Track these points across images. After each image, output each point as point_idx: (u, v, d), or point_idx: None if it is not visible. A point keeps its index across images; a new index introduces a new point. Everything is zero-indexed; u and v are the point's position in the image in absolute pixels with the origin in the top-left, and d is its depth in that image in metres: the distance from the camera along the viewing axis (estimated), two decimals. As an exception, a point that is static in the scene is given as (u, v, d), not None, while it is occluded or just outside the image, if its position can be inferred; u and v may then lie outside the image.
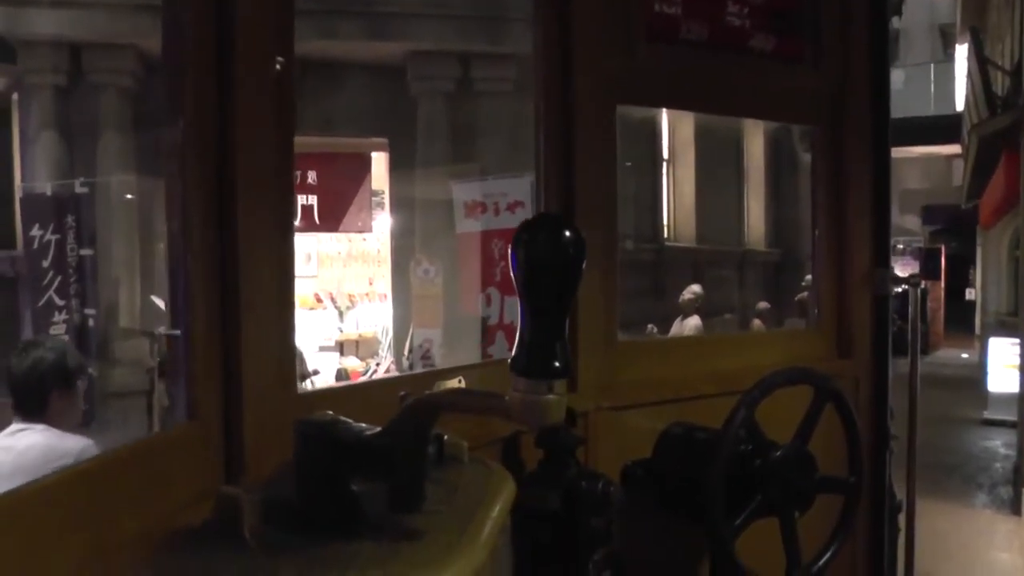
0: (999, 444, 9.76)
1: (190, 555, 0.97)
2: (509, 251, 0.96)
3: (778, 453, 2.03)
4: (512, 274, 0.96)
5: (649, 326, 9.55)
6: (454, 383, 1.83)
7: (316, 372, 8.38)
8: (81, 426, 3.27)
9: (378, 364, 10.28)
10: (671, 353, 2.49)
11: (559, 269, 0.96)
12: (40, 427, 2.92)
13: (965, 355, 17.42)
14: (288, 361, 1.47)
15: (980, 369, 12.09)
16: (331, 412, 1.06)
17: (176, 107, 1.33)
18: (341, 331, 11.31)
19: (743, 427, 1.97)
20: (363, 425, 1.02)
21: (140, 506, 1.09)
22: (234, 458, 1.31)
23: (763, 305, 11.07)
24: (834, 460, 2.13)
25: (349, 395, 1.68)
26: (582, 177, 2.25)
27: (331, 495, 1.00)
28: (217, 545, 0.97)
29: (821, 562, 2.09)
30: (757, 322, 10.46)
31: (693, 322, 9.01)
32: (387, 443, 0.97)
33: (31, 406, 2.95)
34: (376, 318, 11.37)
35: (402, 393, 1.26)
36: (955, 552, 5.94)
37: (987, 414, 10.74)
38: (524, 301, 0.96)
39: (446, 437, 1.30)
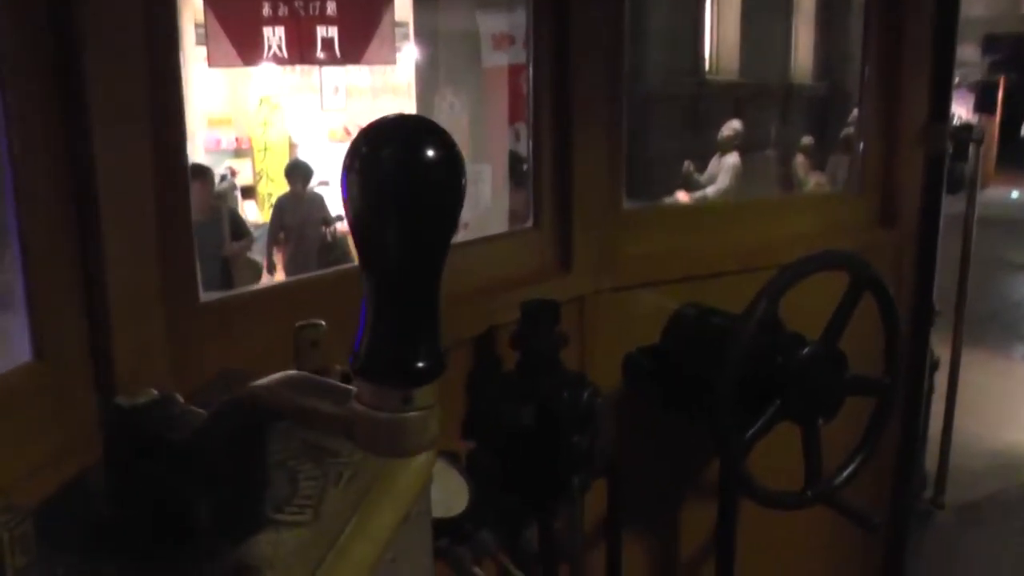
0: (1045, 291, 9.39)
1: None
2: (340, 176, 0.59)
3: (805, 351, 1.72)
4: (345, 214, 0.59)
5: (686, 163, 9.11)
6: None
7: (339, 218, 8.13)
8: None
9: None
10: (686, 222, 2.15)
11: (419, 209, 0.57)
12: None
13: (1015, 194, 16.78)
14: (185, 257, 1.16)
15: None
16: (155, 391, 0.75)
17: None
18: (371, 165, 11.03)
19: (763, 323, 1.66)
20: (195, 411, 0.72)
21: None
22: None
23: (807, 140, 10.51)
24: (862, 354, 1.82)
25: (266, 302, 1.37)
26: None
27: (142, 510, 0.71)
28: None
29: (844, 475, 1.82)
30: (800, 158, 9.97)
31: (731, 160, 8.61)
32: (205, 448, 0.67)
33: None
34: (406, 153, 11.02)
35: (299, 324, 0.96)
36: (988, 407, 5.68)
37: (1037, 259, 10.31)
38: (364, 262, 0.60)
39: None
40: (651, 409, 2.00)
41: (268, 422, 0.70)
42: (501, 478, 1.58)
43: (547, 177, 1.85)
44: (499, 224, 5.16)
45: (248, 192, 9.08)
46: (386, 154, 0.56)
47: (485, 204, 7.25)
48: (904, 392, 2.06)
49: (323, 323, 0.95)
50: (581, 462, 1.55)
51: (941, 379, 2.86)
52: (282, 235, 7.38)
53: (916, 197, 2.32)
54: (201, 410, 0.70)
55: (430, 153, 0.56)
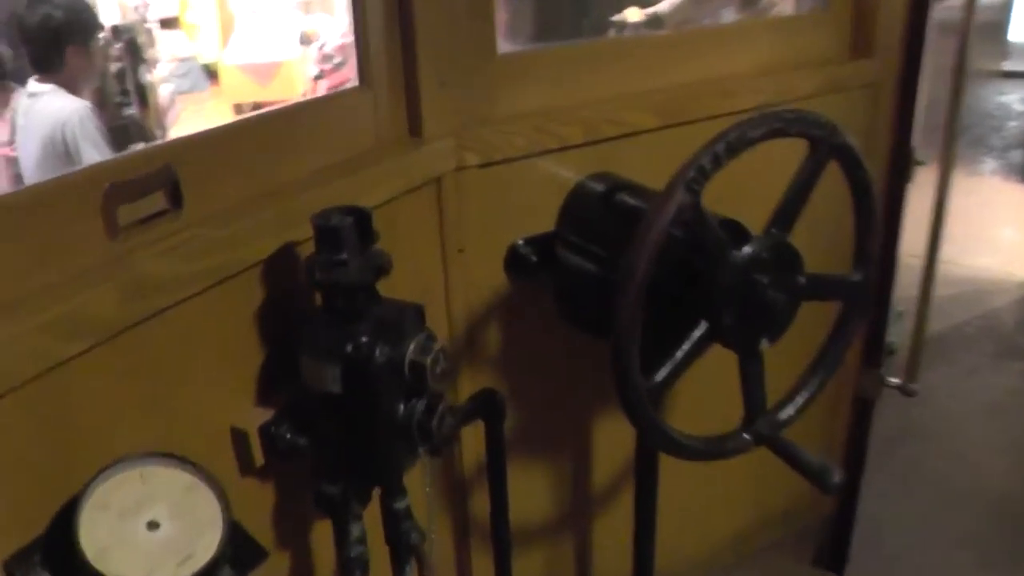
0: (1015, 99, 8.91)
1: None
2: None
3: (743, 251, 1.20)
4: None
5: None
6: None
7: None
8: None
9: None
10: (586, 65, 1.57)
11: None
12: (50, 88, 2.87)
13: (986, -5, 16.04)
14: None
15: (1004, 12, 10.95)
16: None
17: None
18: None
19: (680, 220, 1.13)
20: None
21: None
22: None
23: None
24: (817, 239, 1.31)
25: None
26: None
27: None
28: None
29: (795, 407, 1.34)
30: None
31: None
32: None
33: (47, 63, 2.90)
34: None
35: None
36: (957, 229, 5.24)
37: (1007, 66, 9.76)
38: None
39: None
40: (544, 316, 1.50)
41: None
42: (308, 461, 1.09)
43: (375, 9, 1.27)
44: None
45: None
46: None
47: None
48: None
49: None
50: (413, 435, 1.06)
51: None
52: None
53: (899, 17, 1.75)
54: None
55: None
